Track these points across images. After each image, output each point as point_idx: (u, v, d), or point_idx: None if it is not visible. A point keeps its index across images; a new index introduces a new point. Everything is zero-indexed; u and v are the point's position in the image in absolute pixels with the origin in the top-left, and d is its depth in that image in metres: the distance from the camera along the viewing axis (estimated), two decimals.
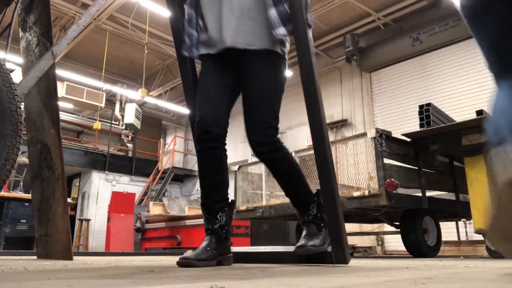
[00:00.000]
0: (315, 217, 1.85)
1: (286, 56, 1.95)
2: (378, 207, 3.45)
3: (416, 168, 3.77)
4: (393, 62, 8.77)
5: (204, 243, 1.73)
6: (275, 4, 1.82)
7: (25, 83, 1.99)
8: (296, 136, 10.41)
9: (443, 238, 4.24)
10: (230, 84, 1.91)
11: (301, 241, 1.75)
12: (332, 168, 1.83)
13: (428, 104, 3.64)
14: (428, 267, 1.64)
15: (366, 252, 7.36)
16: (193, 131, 1.94)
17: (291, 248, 1.90)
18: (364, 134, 3.63)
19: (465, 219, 5.22)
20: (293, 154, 4.30)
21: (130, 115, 11.61)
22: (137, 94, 10.84)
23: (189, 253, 1.71)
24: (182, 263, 1.60)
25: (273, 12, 1.80)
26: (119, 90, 11.96)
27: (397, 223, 4.20)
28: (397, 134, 3.80)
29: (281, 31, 1.80)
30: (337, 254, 1.75)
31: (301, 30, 1.87)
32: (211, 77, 1.89)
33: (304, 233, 1.81)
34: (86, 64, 11.53)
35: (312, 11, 7.68)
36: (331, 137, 9.23)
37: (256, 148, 1.82)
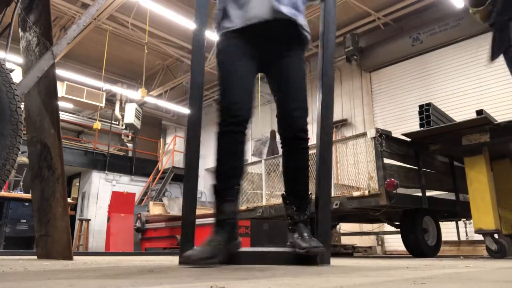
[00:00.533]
0: (307, 218, 1.85)
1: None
2: (378, 207, 3.45)
3: (416, 168, 3.77)
4: (393, 62, 8.77)
5: (213, 236, 1.71)
6: None
7: (25, 83, 1.99)
8: None
9: (443, 238, 4.24)
10: (255, 69, 1.90)
11: (304, 242, 1.71)
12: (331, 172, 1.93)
13: (428, 104, 3.64)
14: (428, 267, 1.64)
15: (366, 252, 7.36)
16: (189, 128, 1.91)
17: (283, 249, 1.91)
18: (364, 134, 3.63)
19: (465, 219, 5.22)
20: None
21: (130, 115, 11.61)
22: (137, 94, 10.84)
23: (193, 250, 1.65)
24: (190, 262, 1.56)
25: None
26: (119, 90, 11.96)
27: (397, 223, 4.20)
28: (397, 134, 3.79)
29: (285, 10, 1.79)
30: (324, 254, 1.78)
31: (331, 42, 2.05)
32: (241, 59, 1.84)
33: (298, 233, 1.79)
34: (86, 64, 11.53)
35: (312, 11, 7.67)
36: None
37: (296, 133, 1.85)
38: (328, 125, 1.97)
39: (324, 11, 2.06)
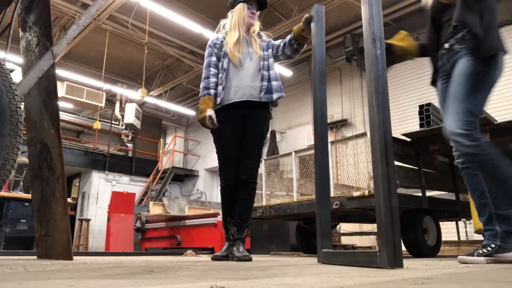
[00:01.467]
0: (244, 237, 2.61)
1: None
2: None
3: (416, 168, 3.77)
4: None
5: (225, 247, 2.67)
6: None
7: (25, 83, 1.99)
8: (296, 136, 10.41)
9: (443, 238, 4.24)
10: (239, 135, 2.67)
11: (238, 253, 2.50)
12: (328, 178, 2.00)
13: (428, 104, 3.63)
14: (428, 267, 1.64)
15: None
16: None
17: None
18: (364, 134, 3.63)
19: (465, 219, 5.21)
20: (293, 154, 4.30)
21: (130, 115, 11.60)
22: (137, 94, 10.83)
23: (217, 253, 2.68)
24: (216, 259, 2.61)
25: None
26: (119, 90, 11.96)
27: None
28: (397, 134, 3.79)
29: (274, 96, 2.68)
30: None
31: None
32: (230, 136, 2.65)
33: (235, 247, 2.55)
34: (86, 64, 11.52)
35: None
36: (331, 137, 9.22)
37: (249, 178, 2.63)
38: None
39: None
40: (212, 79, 2.66)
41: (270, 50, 2.78)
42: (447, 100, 2.04)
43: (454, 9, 2.01)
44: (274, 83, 2.68)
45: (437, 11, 2.16)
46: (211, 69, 2.69)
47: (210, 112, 2.55)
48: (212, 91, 2.63)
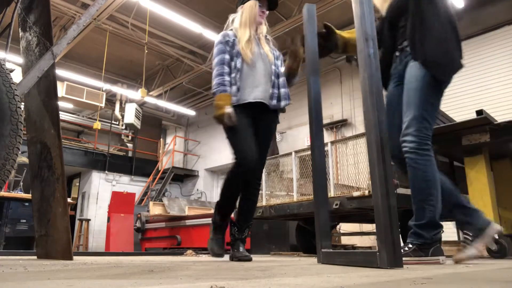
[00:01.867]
0: (244, 237, 2.63)
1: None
2: None
3: None
4: None
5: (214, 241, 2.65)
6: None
7: (25, 83, 1.99)
8: (296, 136, 10.41)
9: (443, 238, 4.22)
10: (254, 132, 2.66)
11: (238, 253, 2.52)
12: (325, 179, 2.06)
13: None
14: (428, 267, 1.64)
15: None
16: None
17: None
18: (364, 134, 3.63)
19: None
20: (293, 154, 4.31)
21: (130, 115, 11.61)
22: (137, 94, 10.84)
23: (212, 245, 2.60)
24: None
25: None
26: (119, 90, 11.96)
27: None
28: None
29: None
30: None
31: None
32: (247, 127, 2.57)
33: (235, 247, 2.57)
34: (86, 64, 11.53)
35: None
36: (331, 137, 9.22)
37: (256, 179, 2.67)
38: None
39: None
40: (227, 78, 2.54)
41: (279, 62, 2.77)
42: (403, 104, 2.06)
43: (410, 14, 2.02)
44: (282, 90, 2.66)
45: (395, 14, 2.16)
46: (225, 67, 2.56)
47: (229, 109, 2.41)
48: (228, 88, 2.51)
